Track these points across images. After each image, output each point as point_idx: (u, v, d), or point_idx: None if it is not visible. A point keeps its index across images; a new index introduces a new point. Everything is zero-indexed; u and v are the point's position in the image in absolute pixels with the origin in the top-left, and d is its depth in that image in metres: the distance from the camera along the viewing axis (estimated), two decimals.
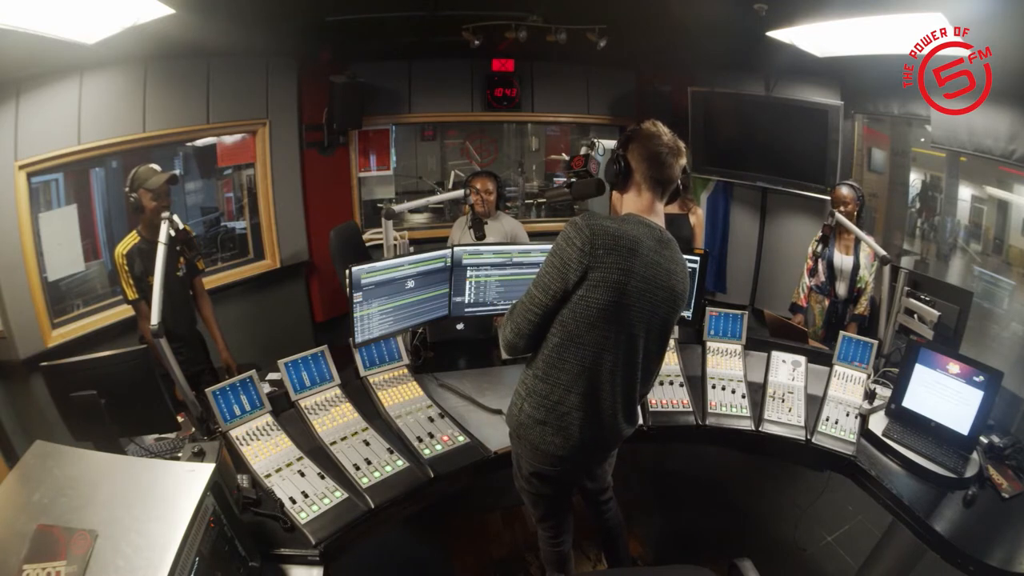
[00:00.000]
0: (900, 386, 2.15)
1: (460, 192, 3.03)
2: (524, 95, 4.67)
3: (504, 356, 1.61)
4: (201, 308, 2.80)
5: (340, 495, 1.74)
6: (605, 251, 1.44)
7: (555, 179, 5.34)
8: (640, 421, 1.78)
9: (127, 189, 2.40)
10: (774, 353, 2.49)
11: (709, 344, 2.55)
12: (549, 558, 1.96)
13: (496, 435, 2.07)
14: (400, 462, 1.91)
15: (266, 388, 2.12)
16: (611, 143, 3.53)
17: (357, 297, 2.15)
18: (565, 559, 1.96)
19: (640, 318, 1.52)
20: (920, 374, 2.10)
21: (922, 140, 3.57)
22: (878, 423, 2.15)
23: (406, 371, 2.36)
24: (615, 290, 1.46)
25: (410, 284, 2.29)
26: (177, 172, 2.53)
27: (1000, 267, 3.17)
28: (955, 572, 1.67)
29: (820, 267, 3.20)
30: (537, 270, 1.55)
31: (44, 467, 1.22)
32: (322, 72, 3.93)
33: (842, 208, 2.97)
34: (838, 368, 2.42)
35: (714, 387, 2.36)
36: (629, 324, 1.51)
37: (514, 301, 1.62)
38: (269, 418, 2.01)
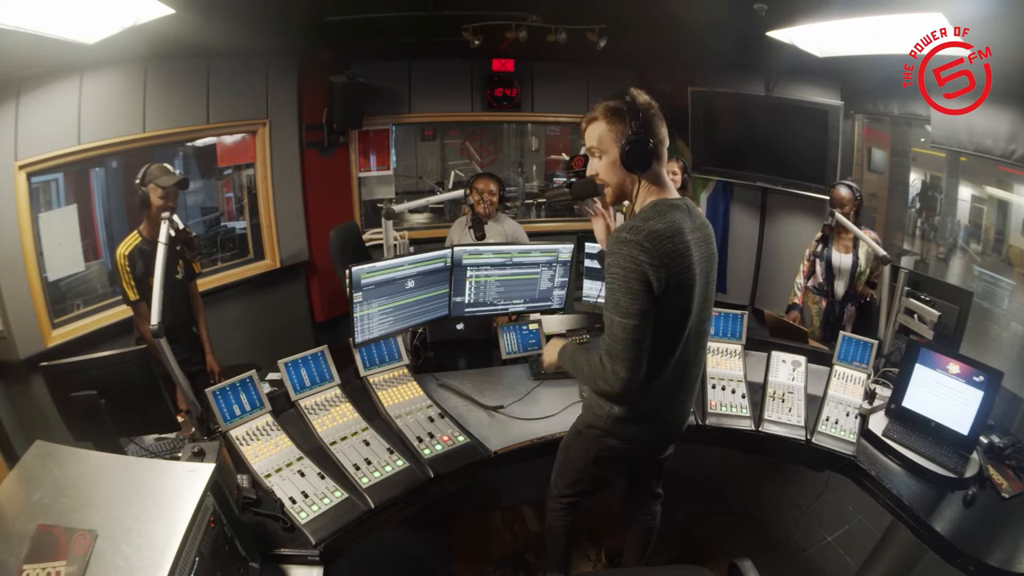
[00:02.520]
0: (900, 386, 2.15)
1: (460, 192, 3.04)
2: (524, 95, 4.68)
3: (613, 395, 1.56)
4: (194, 312, 2.79)
5: (340, 495, 1.74)
6: (671, 256, 1.42)
7: (555, 179, 5.34)
8: None
9: (137, 182, 2.40)
10: (774, 353, 2.49)
11: (709, 344, 2.54)
12: (559, 529, 1.98)
13: (496, 435, 2.07)
14: (400, 462, 1.90)
15: (266, 388, 2.12)
16: None
17: (357, 297, 2.15)
18: (572, 535, 2.02)
19: (703, 298, 1.55)
20: (920, 374, 2.10)
21: (922, 140, 3.57)
22: (878, 423, 2.15)
23: (406, 371, 2.36)
24: (691, 288, 1.48)
25: (410, 284, 2.29)
26: (188, 177, 2.53)
27: (1000, 267, 3.16)
28: (955, 572, 1.67)
29: (818, 268, 3.20)
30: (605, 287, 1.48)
31: (44, 467, 1.22)
32: (322, 72, 3.93)
33: (839, 208, 2.98)
34: (838, 368, 2.42)
35: (714, 387, 2.36)
36: (700, 308, 1.55)
37: (595, 354, 1.52)
38: (269, 418, 2.01)
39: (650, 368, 1.50)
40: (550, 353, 1.83)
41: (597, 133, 1.52)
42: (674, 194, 1.55)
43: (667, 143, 1.54)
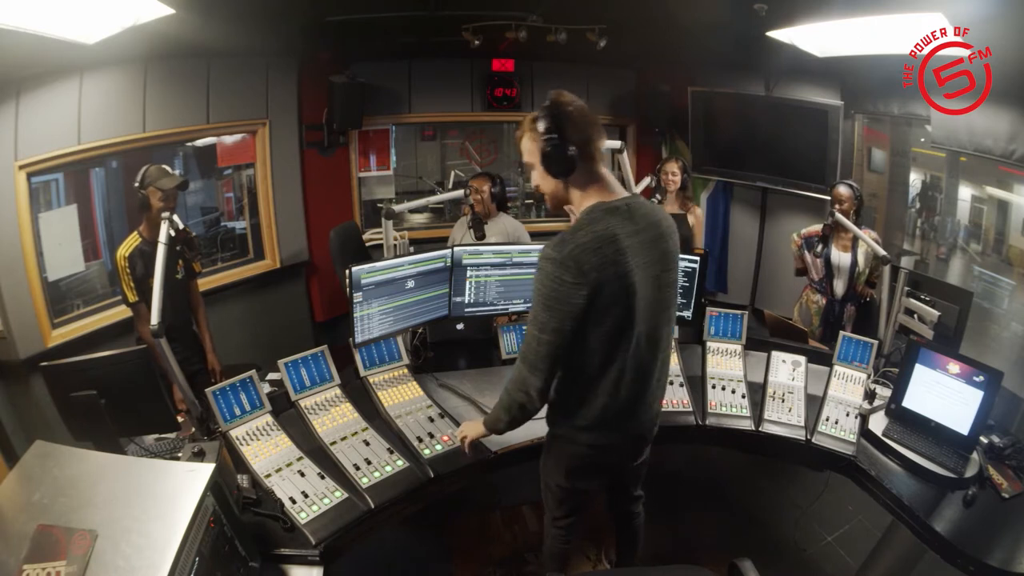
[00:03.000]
0: (900, 386, 2.15)
1: (460, 192, 3.04)
2: (524, 95, 4.67)
3: (529, 406, 1.57)
4: (195, 311, 2.79)
5: (340, 495, 1.74)
6: (599, 270, 1.39)
7: None
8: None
9: (137, 185, 2.40)
10: (774, 353, 2.49)
11: (709, 344, 2.55)
12: (557, 554, 1.96)
13: (496, 435, 2.07)
14: (400, 462, 1.91)
15: (266, 388, 2.12)
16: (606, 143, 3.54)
17: (357, 297, 2.15)
18: (569, 557, 1.99)
19: (652, 301, 1.51)
20: (920, 374, 2.10)
21: (922, 140, 3.57)
22: (878, 423, 2.15)
23: (406, 371, 2.36)
24: (629, 294, 1.45)
25: (410, 284, 2.29)
26: (188, 179, 2.53)
27: (1000, 267, 3.17)
28: (955, 572, 1.67)
29: (818, 263, 3.20)
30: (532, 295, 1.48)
31: (44, 467, 1.22)
32: (322, 72, 3.93)
33: (838, 206, 2.99)
34: (838, 368, 2.42)
35: (714, 387, 2.36)
36: (651, 312, 1.51)
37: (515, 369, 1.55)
38: (269, 418, 2.01)
39: (594, 377, 1.52)
40: (472, 428, 1.82)
41: (526, 146, 1.51)
42: (616, 194, 1.49)
43: (595, 141, 1.46)
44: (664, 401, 2.25)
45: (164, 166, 2.44)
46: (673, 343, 1.71)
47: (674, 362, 2.45)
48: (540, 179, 1.52)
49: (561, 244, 1.41)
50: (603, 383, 1.54)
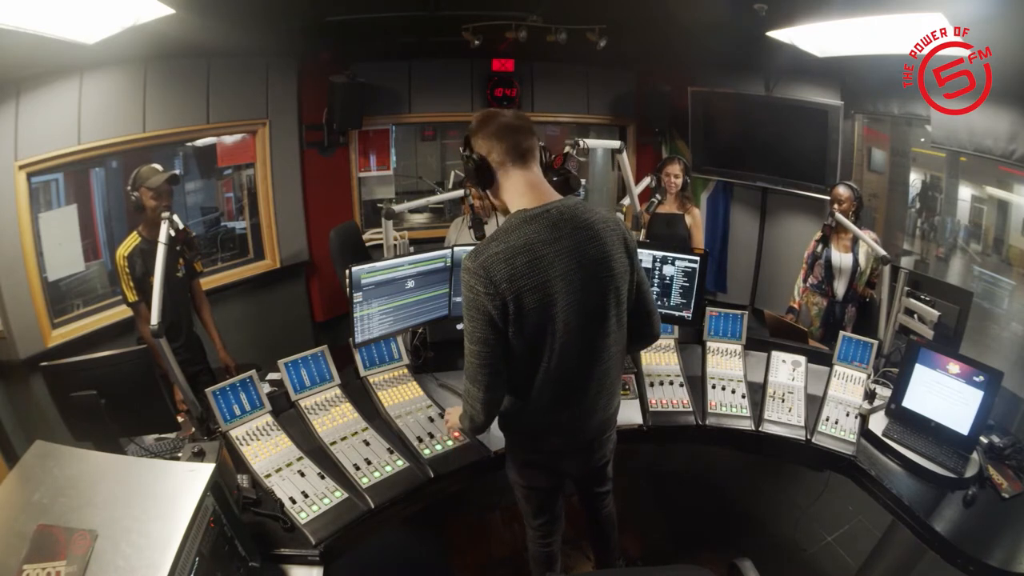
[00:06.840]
0: (900, 386, 2.15)
1: (460, 192, 3.03)
2: (524, 95, 4.68)
3: (476, 418, 1.56)
4: (199, 310, 2.80)
5: (340, 495, 1.75)
6: (509, 282, 1.37)
7: (554, 179, 5.34)
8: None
9: (129, 188, 2.41)
10: (774, 353, 2.49)
11: (709, 344, 2.55)
12: (538, 559, 1.94)
13: (496, 435, 2.06)
14: (400, 462, 1.91)
15: (266, 388, 2.12)
16: (596, 143, 3.52)
17: (357, 297, 2.14)
18: (554, 559, 1.94)
19: (580, 309, 1.46)
20: (920, 374, 2.10)
21: (922, 140, 3.57)
22: (878, 423, 2.15)
23: (406, 371, 2.36)
24: (546, 304, 1.41)
25: (410, 284, 2.29)
26: (178, 172, 2.54)
27: (1000, 267, 3.16)
28: (955, 572, 1.67)
29: (816, 268, 3.20)
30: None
31: (44, 467, 1.22)
32: (322, 72, 3.93)
33: (837, 205, 2.99)
34: (838, 368, 2.42)
35: (714, 387, 2.36)
36: (579, 322, 1.47)
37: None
38: (269, 418, 2.01)
39: (523, 385, 1.52)
40: (454, 416, 1.86)
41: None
42: (543, 199, 1.46)
43: (506, 147, 1.46)
44: (664, 401, 2.27)
45: (154, 165, 2.45)
46: (621, 349, 1.63)
47: (674, 362, 2.45)
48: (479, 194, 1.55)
49: (476, 253, 1.41)
50: (532, 392, 1.53)
